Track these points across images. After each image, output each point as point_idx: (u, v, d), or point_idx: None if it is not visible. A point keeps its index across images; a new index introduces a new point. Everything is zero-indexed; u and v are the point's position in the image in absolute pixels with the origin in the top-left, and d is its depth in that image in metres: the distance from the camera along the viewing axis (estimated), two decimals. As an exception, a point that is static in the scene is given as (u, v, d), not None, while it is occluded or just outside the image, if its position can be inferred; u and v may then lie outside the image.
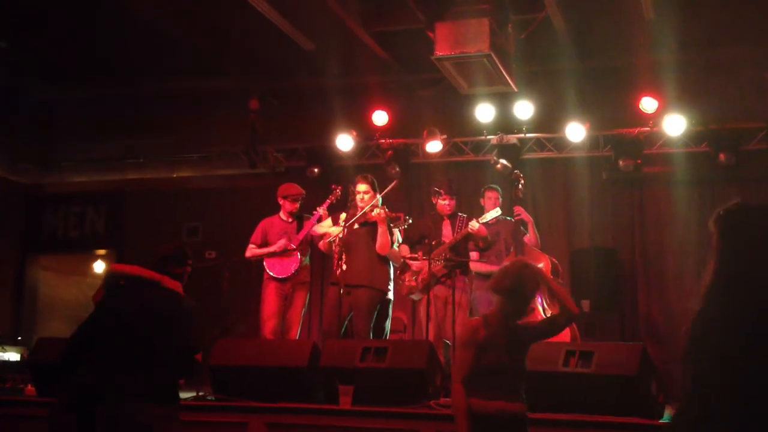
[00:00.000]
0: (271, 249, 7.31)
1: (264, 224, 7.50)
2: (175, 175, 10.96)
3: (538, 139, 9.18)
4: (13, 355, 9.64)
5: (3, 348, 9.55)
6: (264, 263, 7.36)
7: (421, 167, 9.68)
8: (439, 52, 7.07)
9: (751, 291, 2.33)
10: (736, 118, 8.56)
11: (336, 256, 6.75)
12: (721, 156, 8.42)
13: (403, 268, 7.21)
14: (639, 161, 8.64)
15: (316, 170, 9.57)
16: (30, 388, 6.60)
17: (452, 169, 9.55)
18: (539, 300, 7.06)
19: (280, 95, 10.17)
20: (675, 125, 8.40)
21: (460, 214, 7.29)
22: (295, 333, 7.31)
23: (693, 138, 8.64)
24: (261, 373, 5.84)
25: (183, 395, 4.74)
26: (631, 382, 4.98)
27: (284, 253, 7.28)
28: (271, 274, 7.30)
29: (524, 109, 8.76)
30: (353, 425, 5.36)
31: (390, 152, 9.35)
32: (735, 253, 2.41)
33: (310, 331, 9.09)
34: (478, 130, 9.18)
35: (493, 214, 7.08)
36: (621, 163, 8.66)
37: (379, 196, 6.92)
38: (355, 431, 5.35)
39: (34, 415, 5.62)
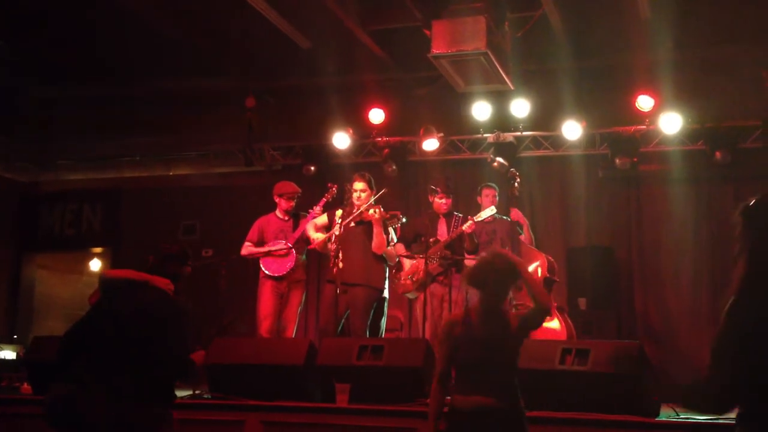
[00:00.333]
0: (267, 249, 7.30)
1: (260, 222, 7.50)
2: (171, 173, 10.95)
3: (534, 138, 9.18)
4: (9, 354, 9.64)
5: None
6: (260, 262, 7.35)
7: (418, 165, 9.68)
8: (436, 50, 7.07)
9: None
10: (732, 117, 8.57)
11: (332, 254, 6.75)
12: (718, 154, 8.43)
13: (398, 267, 7.22)
14: (635, 159, 8.65)
15: (312, 168, 9.57)
16: (26, 387, 6.59)
17: (449, 167, 9.56)
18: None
19: (276, 93, 10.16)
20: (671, 123, 8.40)
21: (456, 213, 7.31)
22: (292, 331, 7.32)
23: (689, 136, 8.64)
24: (257, 372, 5.84)
25: (179, 393, 4.74)
26: (627, 380, 4.98)
27: (280, 251, 7.29)
28: (267, 272, 7.30)
29: (521, 108, 8.77)
30: (350, 423, 5.36)
31: (387, 150, 9.34)
32: (766, 242, 2.46)
33: (307, 329, 9.10)
34: (475, 128, 9.19)
35: (489, 212, 7.10)
36: (617, 161, 8.67)
37: (372, 197, 6.88)
38: (352, 429, 5.35)
39: (30, 413, 5.61)
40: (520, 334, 3.80)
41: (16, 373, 7.76)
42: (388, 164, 9.28)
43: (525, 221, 7.55)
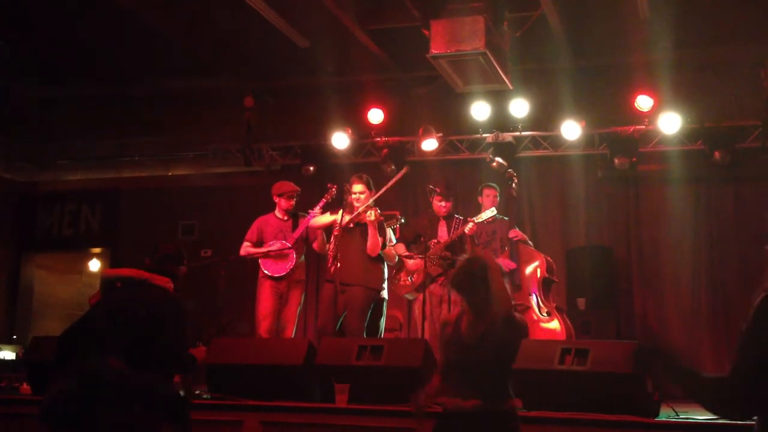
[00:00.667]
0: (266, 249, 7.29)
1: (259, 222, 7.49)
2: (170, 173, 10.95)
3: (533, 137, 9.18)
4: (8, 354, 9.64)
5: (-2, 347, 9.56)
6: (259, 262, 7.35)
7: (417, 165, 9.64)
8: (435, 50, 7.07)
9: None
10: (731, 116, 8.57)
11: (331, 254, 6.75)
12: (716, 154, 8.43)
13: (398, 268, 7.21)
14: (634, 159, 8.65)
15: (311, 168, 9.55)
16: (25, 387, 6.58)
17: (448, 167, 9.56)
18: (534, 299, 7.08)
19: (275, 93, 10.17)
20: (670, 123, 8.41)
21: (456, 215, 7.30)
22: (291, 331, 7.31)
23: (688, 136, 8.65)
24: (257, 372, 5.83)
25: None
26: (626, 380, 4.98)
27: (279, 252, 7.28)
28: (267, 272, 7.29)
29: (520, 107, 8.77)
30: (349, 423, 5.35)
31: (385, 150, 9.33)
32: None
33: (306, 329, 9.10)
34: (474, 128, 9.19)
35: (489, 213, 7.09)
36: (616, 161, 8.67)
37: (371, 199, 6.86)
38: (351, 429, 5.34)
39: (29, 413, 5.61)
40: (508, 335, 3.70)
41: (15, 374, 7.75)
42: (387, 164, 9.27)
43: (524, 237, 7.53)
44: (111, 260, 11.10)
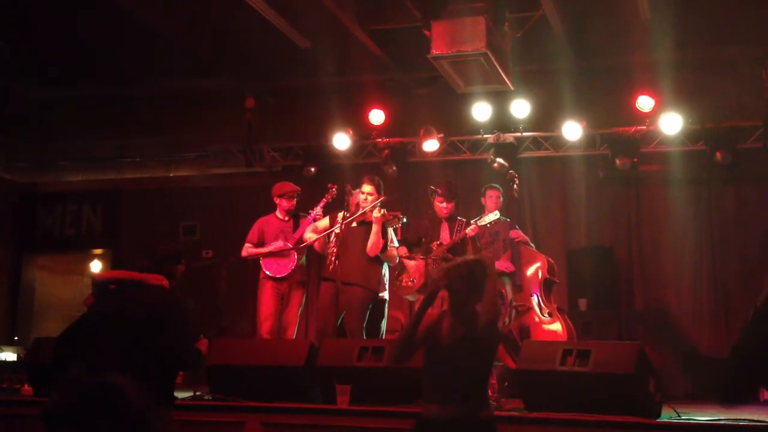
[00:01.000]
0: (268, 249, 7.29)
1: (260, 223, 7.49)
2: (171, 174, 10.96)
3: (534, 138, 9.18)
4: (9, 355, 9.64)
5: (0, 348, 9.55)
6: (261, 263, 7.34)
7: (418, 166, 9.66)
8: (436, 51, 7.06)
9: None
10: (732, 117, 8.57)
11: (331, 252, 6.74)
12: (718, 154, 8.42)
13: (400, 269, 7.21)
14: (636, 160, 8.64)
15: (312, 169, 9.54)
16: (27, 388, 6.59)
17: (449, 168, 9.55)
18: (535, 300, 7.07)
19: (276, 94, 10.16)
20: (671, 124, 8.40)
21: (459, 217, 7.29)
22: (292, 332, 7.31)
23: (689, 136, 8.64)
24: (258, 373, 5.84)
25: (180, 395, 4.73)
26: (628, 381, 4.98)
27: (281, 252, 7.28)
28: (268, 273, 7.29)
29: (521, 108, 8.77)
30: (350, 425, 5.35)
31: (387, 151, 9.33)
32: None
33: (307, 330, 9.09)
34: (475, 128, 9.19)
35: (492, 217, 7.07)
36: (618, 161, 8.66)
37: (379, 201, 6.86)
38: (353, 431, 5.34)
39: (31, 414, 5.61)
40: (487, 340, 3.66)
41: (16, 375, 7.75)
42: (389, 165, 9.27)
43: (526, 239, 7.53)
44: (112, 261, 11.10)
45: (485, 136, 9.14)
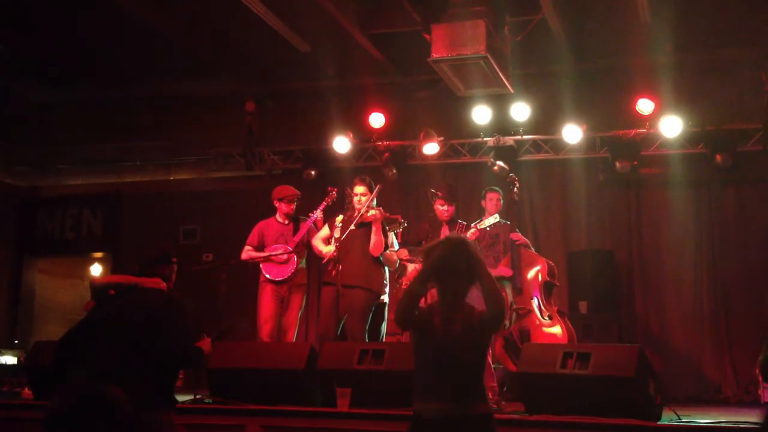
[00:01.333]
0: (268, 254, 7.29)
1: (260, 226, 7.48)
2: (171, 178, 10.97)
3: (534, 141, 9.18)
4: (9, 359, 9.63)
5: (0, 351, 9.54)
6: (261, 266, 7.34)
7: (418, 169, 9.67)
8: (436, 54, 7.07)
9: None
10: (732, 120, 8.58)
11: (332, 257, 6.73)
12: (718, 157, 8.43)
13: (401, 272, 7.20)
14: (636, 163, 8.64)
15: (312, 172, 9.55)
16: (27, 392, 6.59)
17: (449, 171, 9.56)
18: (535, 303, 7.06)
19: (276, 97, 10.18)
20: (671, 127, 8.41)
21: (459, 221, 7.28)
22: (292, 335, 7.30)
23: (689, 139, 8.64)
24: (258, 376, 5.83)
25: (180, 398, 4.73)
26: (628, 384, 4.97)
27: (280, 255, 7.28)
28: (268, 276, 7.28)
29: (521, 111, 8.78)
30: (351, 428, 5.35)
31: (387, 154, 9.33)
32: None
33: (308, 333, 9.09)
34: (475, 132, 9.19)
35: (492, 221, 7.06)
36: (618, 164, 8.66)
37: (374, 200, 6.87)
38: (353, 434, 5.35)
39: (31, 418, 5.61)
40: (481, 335, 3.51)
41: (16, 378, 7.74)
42: (389, 168, 9.28)
43: (526, 242, 7.52)
44: (112, 265, 11.12)
45: (485, 139, 9.15)
